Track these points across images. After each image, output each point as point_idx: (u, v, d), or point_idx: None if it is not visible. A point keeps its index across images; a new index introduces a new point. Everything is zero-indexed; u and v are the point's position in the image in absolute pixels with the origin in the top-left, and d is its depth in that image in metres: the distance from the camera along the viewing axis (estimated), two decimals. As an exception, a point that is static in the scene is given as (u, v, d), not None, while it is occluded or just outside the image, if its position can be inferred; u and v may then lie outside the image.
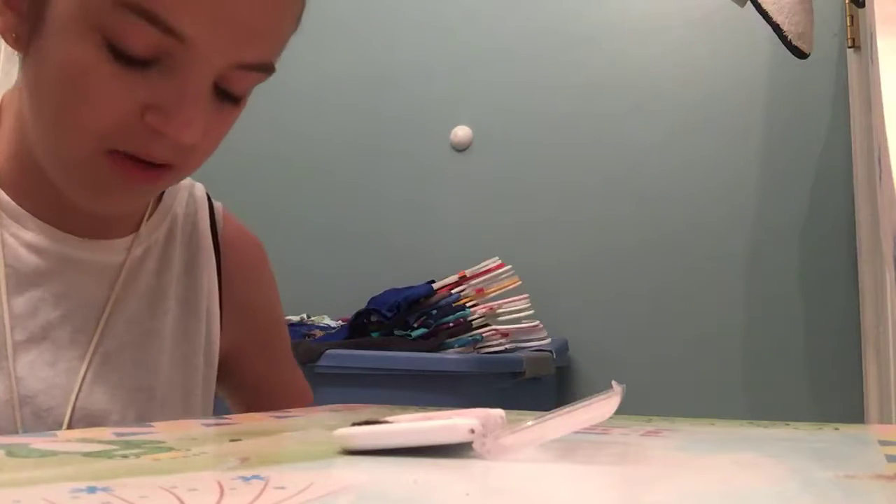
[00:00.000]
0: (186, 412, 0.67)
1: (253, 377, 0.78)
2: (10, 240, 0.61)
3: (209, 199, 0.77)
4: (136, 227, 0.68)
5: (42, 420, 0.59)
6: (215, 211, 0.77)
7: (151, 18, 0.50)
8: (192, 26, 0.51)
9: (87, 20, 0.51)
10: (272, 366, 0.80)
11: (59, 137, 0.55)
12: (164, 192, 0.72)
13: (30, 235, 0.62)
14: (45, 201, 0.62)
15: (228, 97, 0.57)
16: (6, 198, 0.61)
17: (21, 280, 0.61)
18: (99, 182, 0.56)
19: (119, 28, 0.50)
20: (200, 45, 0.51)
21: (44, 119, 0.56)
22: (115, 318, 0.65)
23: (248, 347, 0.76)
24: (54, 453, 0.35)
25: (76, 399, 0.60)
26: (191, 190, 0.75)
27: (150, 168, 0.56)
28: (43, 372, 0.60)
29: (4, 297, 0.60)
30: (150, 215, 0.70)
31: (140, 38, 0.51)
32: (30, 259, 0.61)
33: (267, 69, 0.57)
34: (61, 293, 0.62)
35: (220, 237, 0.75)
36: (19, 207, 0.62)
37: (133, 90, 0.52)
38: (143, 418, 0.63)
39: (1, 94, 0.65)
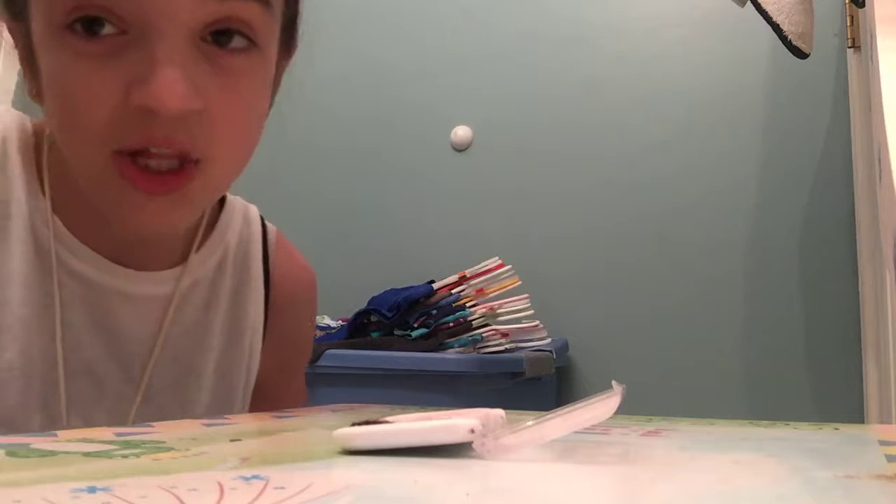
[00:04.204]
0: None
1: (257, 384, 0.76)
2: (62, 270, 0.60)
3: (263, 223, 0.74)
4: (187, 256, 0.66)
5: None
6: (268, 237, 0.74)
7: None
8: None
9: (54, 28, 0.51)
10: (281, 377, 0.77)
11: (71, 148, 0.54)
12: (217, 219, 0.69)
13: (81, 266, 0.60)
14: (96, 231, 0.60)
15: (229, 40, 0.53)
16: (62, 228, 0.60)
17: (68, 311, 0.59)
18: (118, 194, 0.53)
19: (77, 14, 0.50)
20: None
21: (59, 137, 0.55)
22: (162, 354, 0.64)
23: (270, 370, 0.74)
24: (54, 453, 0.35)
25: None
26: (245, 214, 0.72)
27: (158, 176, 0.52)
28: (86, 409, 0.59)
29: (58, 328, 0.59)
30: (201, 244, 0.67)
31: (96, 9, 0.50)
32: (79, 290, 0.60)
33: None
34: (107, 326, 0.61)
35: (271, 267, 0.73)
36: (73, 237, 0.60)
37: (112, 74, 0.50)
38: None
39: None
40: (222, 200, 0.72)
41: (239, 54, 0.54)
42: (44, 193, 0.60)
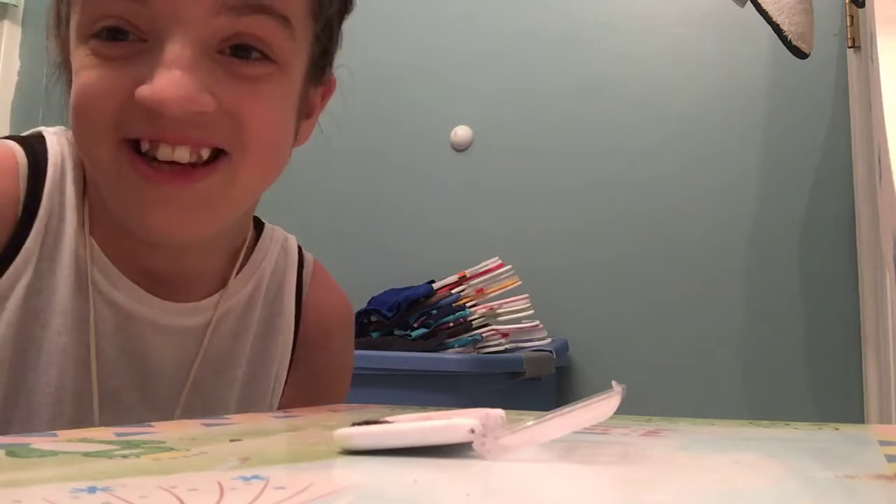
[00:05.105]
0: None
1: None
2: (99, 300, 0.60)
3: (300, 253, 0.74)
4: (222, 286, 0.66)
5: None
6: (304, 269, 0.74)
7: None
8: None
9: (83, 37, 0.54)
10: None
11: (83, 141, 0.55)
12: (255, 247, 0.70)
13: (119, 296, 0.61)
14: (133, 261, 0.61)
15: (247, 56, 0.54)
16: (102, 256, 0.61)
17: (102, 339, 0.60)
18: (134, 191, 0.54)
19: (101, 23, 0.53)
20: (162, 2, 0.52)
21: (75, 134, 0.56)
22: (191, 385, 0.64)
23: (303, 403, 0.72)
24: (54, 453, 0.35)
25: None
26: (284, 244, 0.73)
27: (166, 170, 0.53)
28: None
29: (93, 358, 0.59)
30: (239, 271, 0.67)
31: (116, 19, 0.53)
32: (114, 319, 0.61)
33: (266, 10, 0.54)
34: (138, 355, 0.62)
35: (304, 300, 0.72)
36: (114, 267, 0.61)
37: (125, 73, 0.52)
38: None
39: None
40: (260, 229, 0.72)
41: (257, 64, 0.55)
42: (85, 220, 0.61)
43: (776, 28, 1.22)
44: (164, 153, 0.53)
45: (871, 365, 1.56)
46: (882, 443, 0.42)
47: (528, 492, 0.29)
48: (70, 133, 0.61)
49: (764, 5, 1.23)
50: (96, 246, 0.61)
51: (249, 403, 0.67)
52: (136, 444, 0.38)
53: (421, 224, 2.05)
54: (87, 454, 0.34)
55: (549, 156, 1.96)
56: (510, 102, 2.02)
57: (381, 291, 1.76)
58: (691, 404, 1.75)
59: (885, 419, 1.41)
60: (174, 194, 0.54)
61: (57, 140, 0.62)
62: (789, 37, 1.22)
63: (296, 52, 0.58)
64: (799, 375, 1.72)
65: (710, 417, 0.57)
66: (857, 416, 1.62)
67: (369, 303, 1.74)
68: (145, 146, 0.53)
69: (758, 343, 1.76)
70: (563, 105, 1.97)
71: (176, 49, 0.52)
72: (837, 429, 0.50)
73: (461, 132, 2.04)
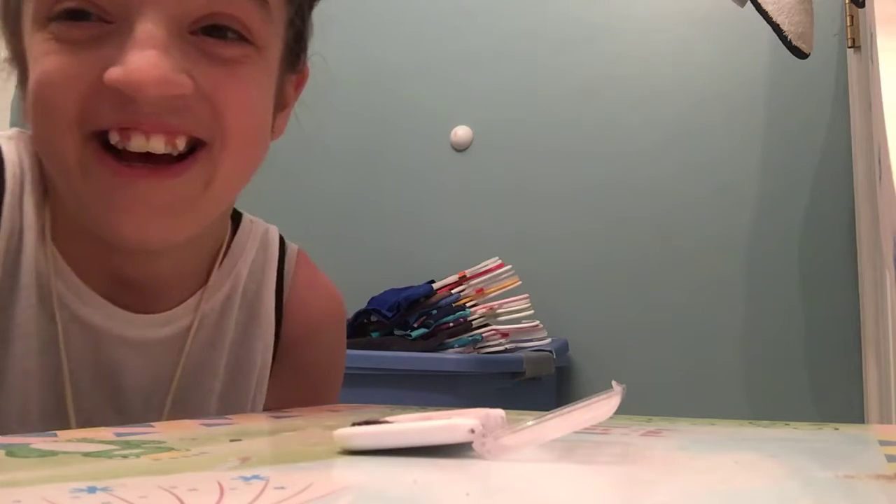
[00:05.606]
0: None
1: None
2: (66, 317, 0.56)
3: (283, 246, 0.69)
4: (199, 288, 0.61)
5: None
6: (286, 263, 0.68)
7: None
8: None
9: (39, 23, 0.50)
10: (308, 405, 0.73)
11: (44, 139, 0.51)
12: (230, 248, 0.64)
13: (87, 312, 0.56)
14: (102, 270, 0.57)
15: (223, 36, 0.51)
16: (66, 269, 0.56)
17: (74, 361, 0.56)
18: (99, 189, 0.50)
19: (61, 5, 0.49)
20: None
21: (34, 131, 0.52)
22: (171, 400, 0.60)
23: (291, 403, 0.68)
24: (54, 453, 0.35)
25: None
26: (263, 239, 0.67)
27: (139, 165, 0.49)
28: None
29: (67, 381, 0.56)
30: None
31: (81, 11, 0.48)
32: (83, 338, 0.56)
33: None
34: (110, 374, 0.58)
35: (286, 297, 0.67)
36: (79, 280, 0.56)
37: (89, 58, 0.48)
38: None
39: None
40: (237, 223, 0.67)
41: (234, 45, 0.51)
42: (46, 231, 0.56)
43: (776, 28, 1.22)
44: (137, 143, 0.49)
45: (871, 365, 1.56)
46: (882, 443, 0.42)
47: (528, 492, 0.29)
48: (27, 135, 0.57)
49: (764, 5, 1.23)
50: (59, 258, 0.56)
51: (229, 410, 0.63)
52: (136, 445, 0.38)
53: (421, 224, 2.05)
54: (86, 454, 0.34)
55: (549, 156, 1.96)
56: (510, 102, 2.02)
57: (381, 291, 1.76)
58: (691, 404, 1.75)
59: (885, 419, 1.41)
60: (149, 194, 0.50)
61: (14, 146, 0.57)
62: (789, 37, 1.22)
63: (273, 36, 0.54)
64: (799, 375, 1.72)
65: (710, 417, 0.57)
66: (857, 416, 1.62)
67: (369, 303, 1.74)
68: (115, 138, 0.49)
69: (758, 343, 1.76)
70: (563, 105, 1.97)
71: (148, 28, 0.47)
72: (837, 429, 0.50)
73: (461, 132, 2.04)
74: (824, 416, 1.67)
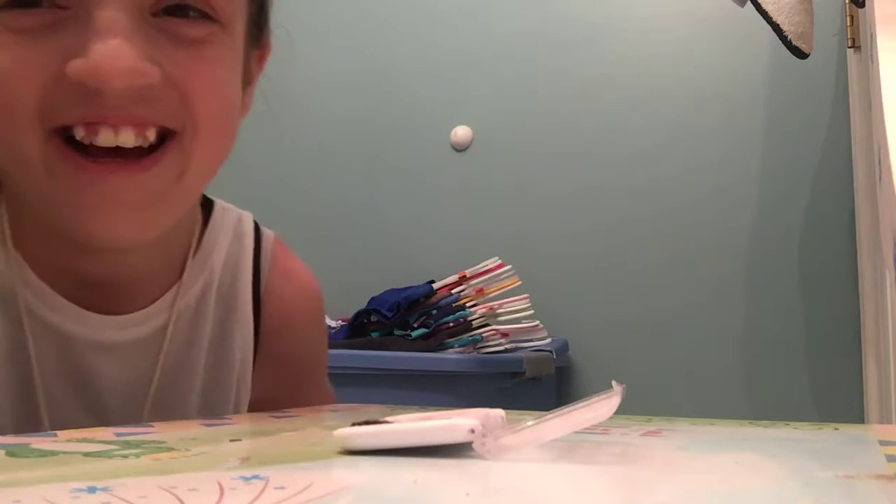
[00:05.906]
0: None
1: (273, 406, 0.66)
2: (33, 324, 0.53)
3: (258, 233, 0.66)
4: (173, 283, 0.58)
5: None
6: (262, 252, 0.65)
7: None
8: None
9: None
10: (299, 394, 0.69)
11: (2, 134, 0.47)
12: (202, 241, 0.61)
13: (55, 318, 0.54)
14: (68, 271, 0.54)
15: (186, 14, 0.48)
16: (30, 273, 0.53)
17: (45, 369, 0.54)
18: (65, 188, 0.47)
19: None
20: None
21: None
22: (151, 402, 0.58)
23: (277, 395, 0.66)
24: (54, 453, 0.35)
25: None
26: (237, 227, 0.64)
27: (108, 161, 0.46)
28: None
29: (40, 389, 0.53)
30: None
31: None
32: (53, 345, 0.54)
33: None
34: (84, 381, 0.55)
35: (263, 287, 0.64)
36: (48, 287, 0.53)
37: (47, 47, 0.45)
38: None
39: None
40: (208, 212, 0.64)
41: (199, 24, 0.48)
42: (6, 235, 0.53)
43: (776, 28, 1.22)
44: (105, 138, 0.46)
45: (871, 365, 1.56)
46: (882, 443, 0.42)
47: (528, 492, 0.29)
48: None
49: (764, 5, 1.23)
50: (23, 262, 0.53)
51: (210, 410, 0.61)
52: (136, 445, 0.38)
53: (421, 224, 2.05)
54: (86, 454, 0.34)
55: (550, 156, 1.96)
56: (510, 103, 2.02)
57: (381, 291, 1.76)
58: (691, 404, 1.75)
59: (885, 419, 1.40)
60: (119, 190, 0.47)
61: None
62: (789, 37, 1.22)
63: (237, 11, 0.52)
64: (799, 375, 1.72)
65: (710, 417, 0.57)
66: (857, 416, 1.62)
67: (369, 303, 1.74)
68: (80, 133, 0.46)
69: (758, 343, 1.76)
70: (563, 105, 1.97)
71: (108, 14, 0.44)
72: (837, 429, 0.50)
73: (461, 132, 2.04)
74: (824, 416, 1.67)
